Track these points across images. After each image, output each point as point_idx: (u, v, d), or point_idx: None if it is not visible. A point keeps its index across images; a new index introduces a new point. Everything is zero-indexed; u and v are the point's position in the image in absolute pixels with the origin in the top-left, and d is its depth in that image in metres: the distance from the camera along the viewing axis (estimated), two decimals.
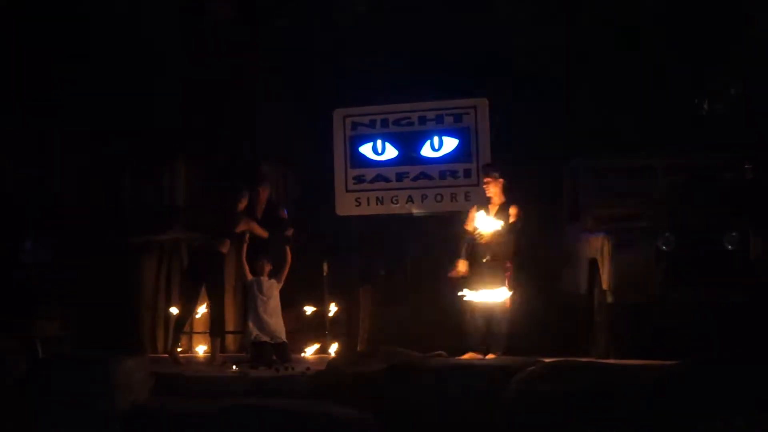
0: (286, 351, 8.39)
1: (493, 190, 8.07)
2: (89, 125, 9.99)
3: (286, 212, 9.00)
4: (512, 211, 7.94)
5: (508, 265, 7.91)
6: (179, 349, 8.82)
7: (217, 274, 8.56)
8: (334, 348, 9.13)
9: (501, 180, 8.06)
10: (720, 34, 10.34)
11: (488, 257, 7.87)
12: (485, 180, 8.14)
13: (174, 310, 9.40)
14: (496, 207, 8.06)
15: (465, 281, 7.97)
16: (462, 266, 8.01)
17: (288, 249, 8.75)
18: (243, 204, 8.62)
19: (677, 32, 10.37)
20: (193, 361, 8.92)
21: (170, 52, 10.45)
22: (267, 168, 10.01)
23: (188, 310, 8.72)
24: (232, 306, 9.41)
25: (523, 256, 8.06)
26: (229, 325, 9.22)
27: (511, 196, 8.06)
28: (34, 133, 10.08)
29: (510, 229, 7.89)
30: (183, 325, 8.84)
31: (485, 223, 7.91)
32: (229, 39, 10.53)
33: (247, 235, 8.64)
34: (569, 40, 10.51)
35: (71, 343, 9.15)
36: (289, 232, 8.82)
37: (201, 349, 9.46)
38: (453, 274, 8.06)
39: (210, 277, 8.52)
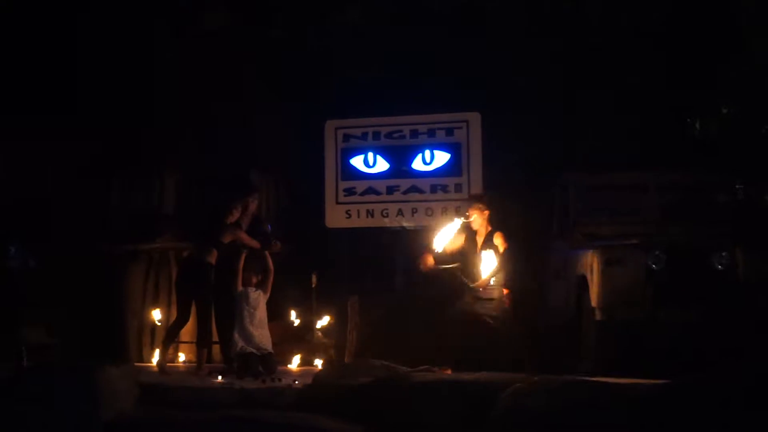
0: (273, 362, 8.35)
1: (479, 221, 8.20)
2: (79, 131, 9.95)
3: (269, 227, 8.97)
4: (497, 238, 8.06)
5: (506, 291, 8.00)
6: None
7: (205, 284, 8.51)
8: (320, 360, 9.10)
9: (486, 212, 8.19)
10: (713, 54, 10.38)
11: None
12: (470, 212, 8.22)
13: (158, 317, 9.37)
14: (483, 237, 8.19)
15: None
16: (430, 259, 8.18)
17: (270, 260, 8.71)
18: (234, 216, 8.60)
19: (670, 51, 10.40)
20: (178, 370, 8.87)
21: (163, 60, 10.44)
22: (257, 177, 9.99)
23: (180, 321, 8.68)
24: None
25: (514, 279, 8.11)
26: (215, 336, 9.17)
27: (496, 224, 8.18)
28: (22, 139, 10.03)
29: (500, 258, 7.99)
30: (174, 335, 8.81)
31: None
32: (223, 48, 10.51)
33: (245, 250, 8.58)
34: (562, 56, 10.53)
35: (57, 351, 9.10)
36: (277, 247, 8.80)
37: (184, 359, 9.42)
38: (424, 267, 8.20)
39: (197, 287, 8.47)
